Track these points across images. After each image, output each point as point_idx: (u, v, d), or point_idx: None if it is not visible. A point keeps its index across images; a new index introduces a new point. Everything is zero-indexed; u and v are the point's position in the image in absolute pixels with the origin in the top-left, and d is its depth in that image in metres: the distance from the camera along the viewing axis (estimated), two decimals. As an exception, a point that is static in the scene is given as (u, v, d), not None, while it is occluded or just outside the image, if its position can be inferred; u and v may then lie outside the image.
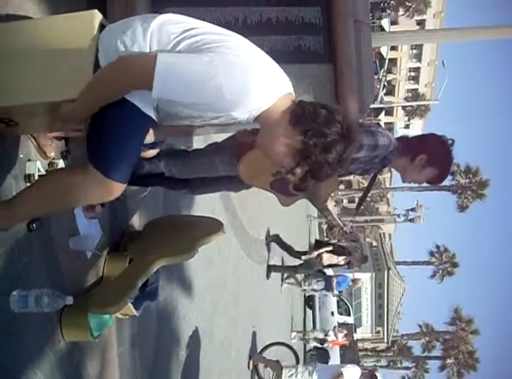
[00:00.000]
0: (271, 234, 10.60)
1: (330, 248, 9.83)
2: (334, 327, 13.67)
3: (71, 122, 1.86)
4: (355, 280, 15.68)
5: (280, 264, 11.41)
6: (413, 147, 2.86)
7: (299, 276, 11.94)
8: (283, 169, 1.82)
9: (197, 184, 3.16)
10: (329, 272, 12.55)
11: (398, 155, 2.86)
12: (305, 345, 14.07)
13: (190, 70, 1.68)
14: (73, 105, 1.78)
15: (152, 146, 2.29)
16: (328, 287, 12.27)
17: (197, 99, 1.72)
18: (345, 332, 13.01)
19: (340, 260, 10.26)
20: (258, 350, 8.39)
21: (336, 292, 12.82)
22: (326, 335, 12.75)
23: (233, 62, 1.71)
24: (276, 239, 10.39)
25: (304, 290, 13.37)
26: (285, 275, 12.21)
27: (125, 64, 1.73)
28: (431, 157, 2.81)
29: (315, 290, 12.72)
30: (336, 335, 12.68)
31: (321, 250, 9.76)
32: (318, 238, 12.59)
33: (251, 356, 8.08)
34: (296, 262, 10.88)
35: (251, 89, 1.72)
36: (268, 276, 10.30)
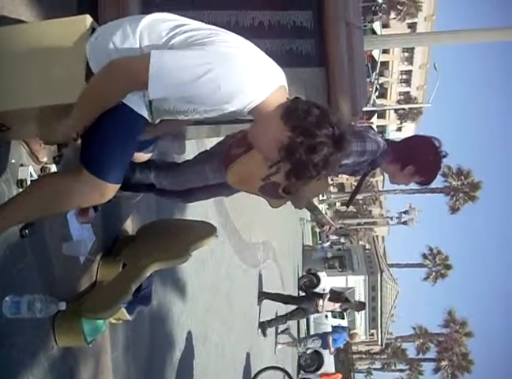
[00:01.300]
0: (262, 290, 10.15)
1: (328, 296, 9.84)
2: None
3: (70, 133, 1.84)
4: (352, 335, 15.30)
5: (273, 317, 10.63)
6: (402, 155, 2.86)
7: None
8: (270, 163, 1.79)
9: (188, 193, 3.15)
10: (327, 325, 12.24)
11: (387, 159, 2.88)
12: (299, 357, 13.97)
13: (184, 66, 1.67)
14: (67, 119, 1.77)
15: (144, 147, 2.28)
16: (324, 345, 12.06)
17: (192, 93, 1.71)
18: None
19: (337, 307, 10.26)
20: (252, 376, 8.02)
21: (333, 350, 12.32)
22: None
23: (226, 55, 1.71)
24: (266, 295, 10.03)
25: (299, 351, 13.16)
26: (279, 330, 11.70)
27: (117, 70, 1.72)
28: (419, 168, 2.83)
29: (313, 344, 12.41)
30: None
31: (319, 300, 9.75)
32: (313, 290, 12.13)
33: None
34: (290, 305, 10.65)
35: (246, 82, 1.72)
36: (264, 333, 9.86)
